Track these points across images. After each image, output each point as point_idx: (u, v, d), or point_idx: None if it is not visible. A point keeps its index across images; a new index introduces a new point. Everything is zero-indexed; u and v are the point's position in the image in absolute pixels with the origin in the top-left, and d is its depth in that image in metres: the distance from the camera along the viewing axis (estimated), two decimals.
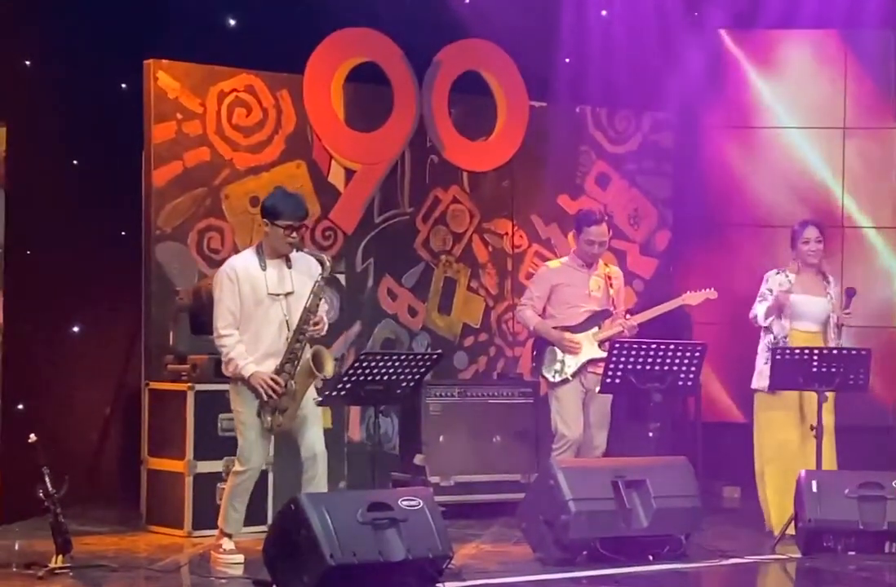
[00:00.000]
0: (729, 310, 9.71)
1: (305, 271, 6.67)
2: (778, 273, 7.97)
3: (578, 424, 7.79)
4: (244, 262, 6.64)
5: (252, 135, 8.60)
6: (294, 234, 6.58)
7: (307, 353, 6.58)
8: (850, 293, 7.76)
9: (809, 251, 7.90)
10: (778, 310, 7.80)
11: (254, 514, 6.99)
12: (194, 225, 8.39)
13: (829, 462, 7.63)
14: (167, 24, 8.43)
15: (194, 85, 8.38)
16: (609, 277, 7.94)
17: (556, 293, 7.89)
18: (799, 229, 7.96)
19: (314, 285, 6.59)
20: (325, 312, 6.77)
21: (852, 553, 7.07)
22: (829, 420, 7.67)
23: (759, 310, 7.90)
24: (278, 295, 6.61)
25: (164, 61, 8.27)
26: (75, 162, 8.85)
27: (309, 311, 6.57)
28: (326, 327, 6.69)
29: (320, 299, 6.61)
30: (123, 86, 8.82)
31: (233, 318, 6.57)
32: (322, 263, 6.63)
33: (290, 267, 6.66)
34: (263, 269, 6.61)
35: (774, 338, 7.83)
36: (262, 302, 6.59)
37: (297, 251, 6.65)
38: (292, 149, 8.72)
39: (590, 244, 7.85)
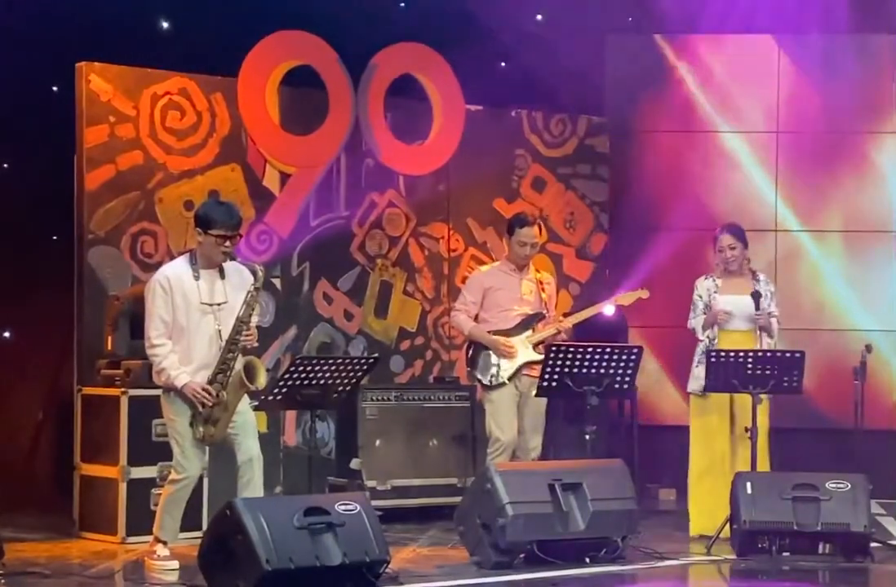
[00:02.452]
0: (664, 314, 9.78)
1: (238, 282, 6.61)
2: (706, 278, 8.05)
3: (512, 428, 7.78)
4: (177, 271, 6.57)
5: (186, 138, 8.54)
6: (227, 243, 6.52)
7: (239, 364, 6.53)
8: (754, 296, 7.83)
9: (725, 258, 7.98)
10: (712, 324, 7.87)
11: (188, 520, 6.91)
12: (127, 229, 8.31)
13: (763, 464, 7.68)
14: (99, 26, 8.37)
15: (127, 88, 8.31)
16: (541, 282, 7.97)
17: (488, 297, 7.90)
18: (716, 236, 8.03)
19: (247, 295, 6.53)
20: (257, 320, 6.73)
21: (787, 554, 7.12)
22: (764, 422, 7.73)
23: (695, 323, 7.97)
24: (211, 305, 6.54)
25: (96, 64, 8.19)
26: (6, 165, 8.77)
27: (242, 322, 6.51)
28: (257, 337, 6.65)
29: (253, 309, 6.56)
30: (55, 89, 8.75)
31: (165, 328, 6.51)
32: (255, 274, 6.57)
33: (223, 277, 6.60)
34: (196, 278, 6.54)
35: (710, 341, 7.88)
36: (195, 312, 6.52)
37: (230, 261, 6.59)
38: (227, 152, 8.67)
39: (521, 245, 7.87)
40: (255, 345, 6.63)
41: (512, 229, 7.92)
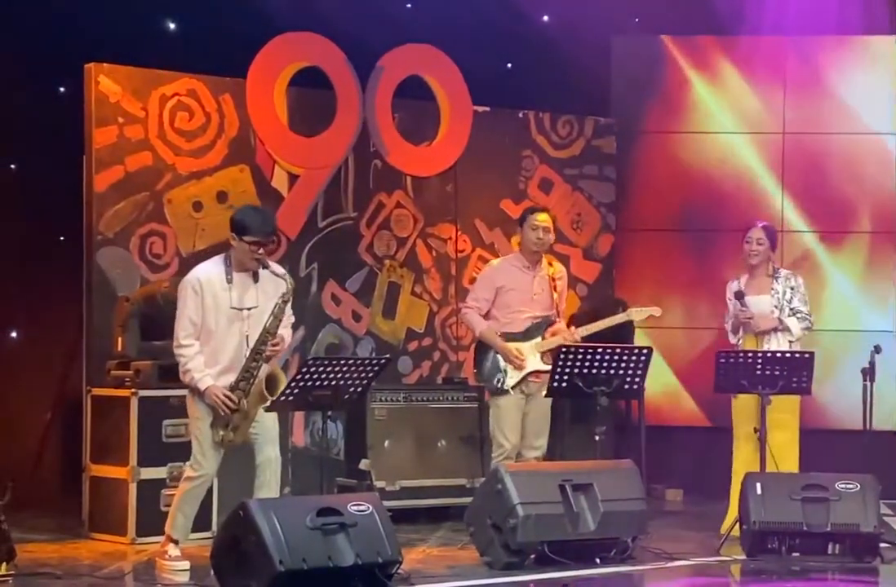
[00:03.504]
0: (672, 315, 9.79)
1: (271, 289, 6.64)
2: (733, 281, 8.07)
3: (517, 434, 7.75)
4: (209, 274, 6.59)
5: (195, 139, 8.54)
6: (261, 251, 6.55)
7: (262, 373, 6.54)
8: (738, 296, 7.85)
9: (749, 251, 8.00)
10: (739, 327, 7.88)
11: (198, 521, 6.92)
12: (136, 230, 8.32)
13: (792, 463, 7.69)
14: (107, 27, 8.39)
15: (136, 89, 8.31)
16: (553, 279, 7.88)
17: (500, 296, 7.84)
18: (746, 230, 8.04)
19: (275, 306, 6.56)
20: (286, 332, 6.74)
21: (796, 554, 7.13)
22: (793, 422, 7.74)
23: (727, 326, 7.99)
24: (241, 310, 6.58)
25: (105, 65, 8.20)
26: (13, 166, 8.78)
27: (268, 332, 6.54)
28: (286, 348, 6.67)
29: (280, 321, 6.58)
30: (62, 90, 8.77)
31: (194, 329, 6.55)
32: (285, 283, 6.59)
33: (256, 282, 6.63)
34: (230, 281, 6.58)
35: (738, 345, 7.92)
36: (224, 315, 6.55)
37: (263, 268, 6.61)
38: (235, 153, 8.67)
39: (534, 229, 7.75)
40: (280, 355, 6.66)
41: (523, 218, 7.84)
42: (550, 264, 7.96)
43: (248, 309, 6.58)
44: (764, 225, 8.06)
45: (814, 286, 9.92)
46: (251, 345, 6.53)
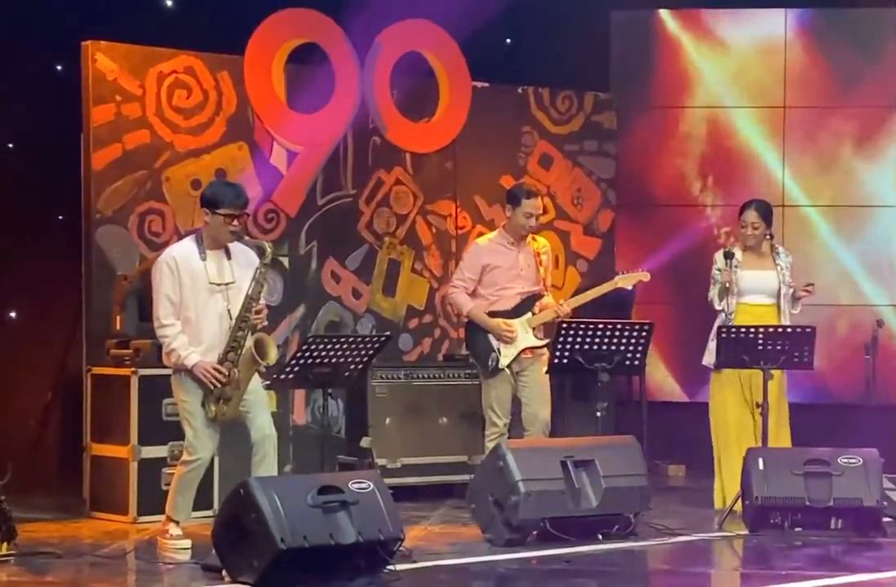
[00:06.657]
0: (671, 290, 9.78)
1: (245, 263, 6.61)
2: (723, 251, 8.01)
3: (508, 412, 7.77)
4: (183, 251, 6.56)
5: (192, 117, 8.50)
6: (235, 223, 6.52)
7: (249, 342, 6.52)
8: (727, 256, 7.82)
9: (745, 234, 7.96)
10: (726, 290, 7.82)
11: (199, 499, 6.90)
12: (135, 208, 8.29)
13: (784, 439, 7.68)
14: (104, 4, 8.34)
15: (133, 67, 8.27)
16: (538, 253, 7.85)
17: (486, 274, 7.81)
18: (740, 210, 8.00)
19: (256, 272, 6.53)
20: (268, 299, 6.72)
21: (798, 529, 7.12)
22: (781, 397, 7.72)
23: (713, 293, 7.92)
24: (219, 285, 6.54)
25: (102, 43, 8.15)
26: (11, 145, 8.74)
27: (251, 299, 6.51)
28: (266, 315, 6.64)
29: (262, 286, 6.55)
30: (59, 68, 8.73)
31: (173, 308, 6.51)
32: (262, 250, 6.56)
33: (229, 258, 6.59)
34: (203, 258, 6.54)
35: (725, 315, 7.85)
36: (202, 292, 6.52)
37: (238, 240, 6.59)
38: (234, 131, 8.63)
39: (527, 217, 7.76)
40: (265, 324, 6.63)
41: (517, 200, 7.81)
42: (534, 239, 7.94)
43: (227, 284, 6.54)
44: (757, 205, 7.98)
45: (816, 261, 9.93)
46: (233, 319, 6.49)
